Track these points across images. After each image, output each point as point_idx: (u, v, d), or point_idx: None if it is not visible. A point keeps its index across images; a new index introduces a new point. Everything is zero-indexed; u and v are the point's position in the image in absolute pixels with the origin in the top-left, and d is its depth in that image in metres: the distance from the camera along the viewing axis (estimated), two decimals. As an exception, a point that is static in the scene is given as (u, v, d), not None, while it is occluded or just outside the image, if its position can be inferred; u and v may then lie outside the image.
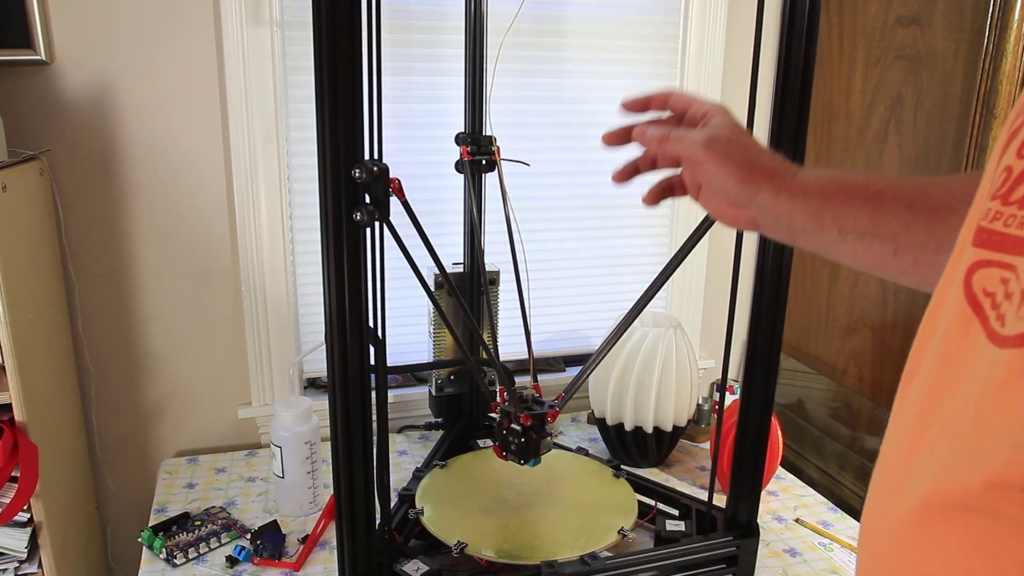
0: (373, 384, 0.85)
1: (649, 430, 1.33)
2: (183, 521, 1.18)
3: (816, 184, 0.59)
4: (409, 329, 1.50)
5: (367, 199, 0.78)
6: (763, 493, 1.23)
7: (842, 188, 0.58)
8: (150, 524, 1.17)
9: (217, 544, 1.13)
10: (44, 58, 1.20)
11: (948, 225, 0.54)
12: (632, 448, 1.36)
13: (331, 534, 1.17)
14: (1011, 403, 0.28)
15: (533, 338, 1.12)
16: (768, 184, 0.60)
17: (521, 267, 1.11)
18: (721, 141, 0.63)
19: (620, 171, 0.74)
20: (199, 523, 1.17)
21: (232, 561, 1.09)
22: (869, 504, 0.37)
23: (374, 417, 0.86)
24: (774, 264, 0.96)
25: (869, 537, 0.36)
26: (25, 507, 1.06)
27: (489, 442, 1.29)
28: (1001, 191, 0.31)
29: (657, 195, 0.73)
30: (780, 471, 1.40)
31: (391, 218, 0.81)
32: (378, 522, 0.92)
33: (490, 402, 1.03)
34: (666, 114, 0.71)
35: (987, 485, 0.28)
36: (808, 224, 0.59)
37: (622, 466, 1.24)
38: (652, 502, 1.19)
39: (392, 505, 1.08)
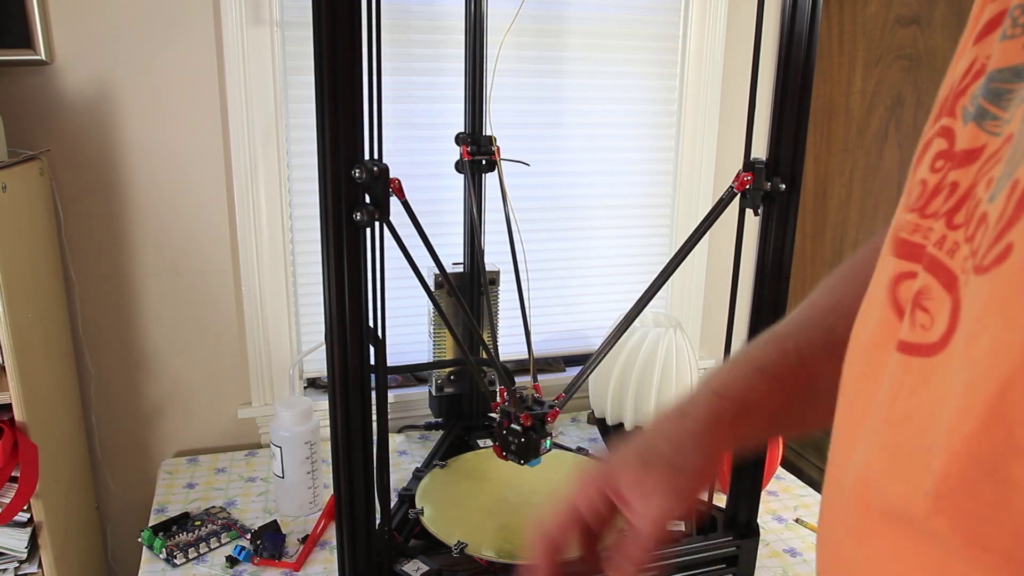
0: (373, 384, 0.85)
1: (649, 430, 1.33)
2: (183, 521, 1.18)
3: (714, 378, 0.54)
4: (409, 329, 1.50)
5: (367, 199, 0.78)
6: (763, 493, 1.23)
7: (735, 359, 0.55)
8: (150, 524, 1.17)
9: (217, 544, 1.13)
10: (44, 58, 1.20)
11: (827, 327, 0.52)
12: (632, 448, 1.36)
13: (331, 534, 1.17)
14: (919, 408, 0.29)
15: (533, 338, 1.12)
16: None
17: (521, 267, 1.11)
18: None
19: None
20: (199, 523, 1.17)
21: (232, 561, 1.09)
22: (821, 505, 0.39)
23: (374, 417, 0.86)
24: (774, 264, 0.96)
25: (821, 540, 0.38)
26: (25, 507, 1.06)
27: (489, 442, 1.29)
28: (919, 204, 0.33)
29: None
30: (780, 471, 1.40)
31: (391, 218, 0.81)
32: (378, 522, 0.92)
33: (490, 402, 1.03)
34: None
35: (904, 492, 0.29)
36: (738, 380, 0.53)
37: (622, 466, 1.24)
38: (652, 502, 1.18)
39: (392, 505, 1.08)
